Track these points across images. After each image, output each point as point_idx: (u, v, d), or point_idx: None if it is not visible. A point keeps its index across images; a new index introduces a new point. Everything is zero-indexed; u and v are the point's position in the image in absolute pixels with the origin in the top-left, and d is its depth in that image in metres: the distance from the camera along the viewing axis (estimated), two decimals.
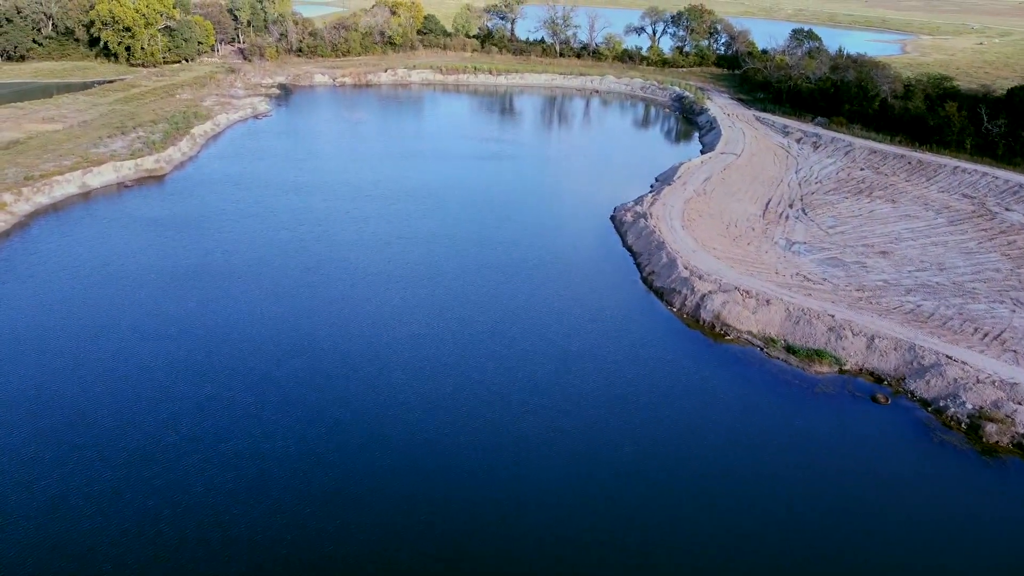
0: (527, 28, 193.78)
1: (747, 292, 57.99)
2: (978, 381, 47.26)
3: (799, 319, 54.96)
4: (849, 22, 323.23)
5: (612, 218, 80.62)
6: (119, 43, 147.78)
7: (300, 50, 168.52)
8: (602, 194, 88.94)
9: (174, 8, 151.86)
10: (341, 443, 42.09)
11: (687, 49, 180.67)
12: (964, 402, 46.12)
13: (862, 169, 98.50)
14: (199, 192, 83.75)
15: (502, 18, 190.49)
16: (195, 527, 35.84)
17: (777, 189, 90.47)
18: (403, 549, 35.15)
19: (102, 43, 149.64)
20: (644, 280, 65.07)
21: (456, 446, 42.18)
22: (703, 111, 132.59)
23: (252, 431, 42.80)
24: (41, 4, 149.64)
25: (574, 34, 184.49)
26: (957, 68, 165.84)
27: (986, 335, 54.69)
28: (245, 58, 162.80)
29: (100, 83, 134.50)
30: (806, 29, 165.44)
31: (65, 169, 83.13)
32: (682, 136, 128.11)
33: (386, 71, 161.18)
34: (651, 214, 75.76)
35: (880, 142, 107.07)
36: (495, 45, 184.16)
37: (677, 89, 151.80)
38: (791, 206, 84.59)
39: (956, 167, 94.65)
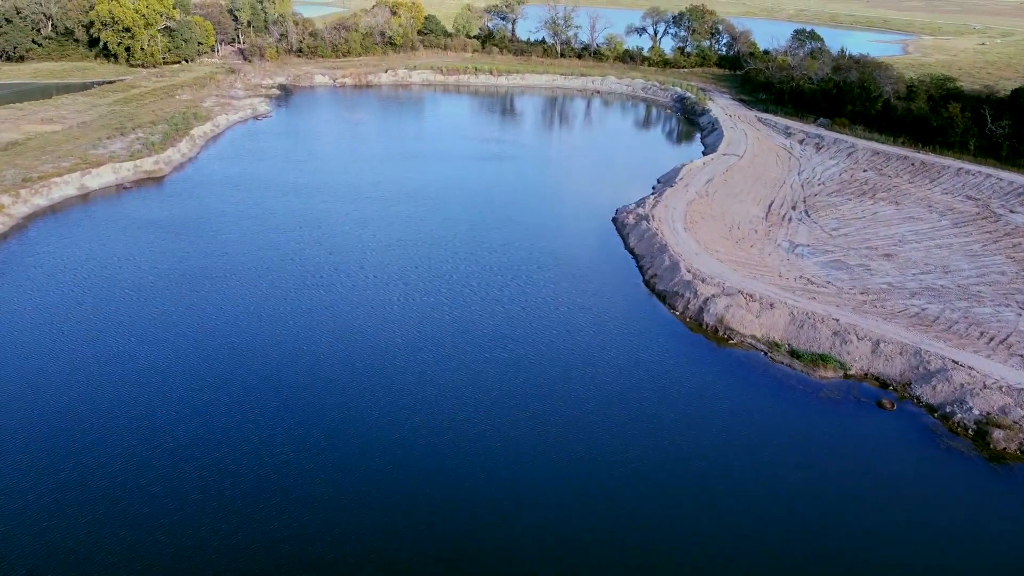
0: (528, 28, 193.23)
1: (751, 296, 57.45)
2: (985, 386, 46.71)
3: (803, 323, 54.42)
4: (850, 22, 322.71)
5: (614, 220, 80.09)
6: (119, 44, 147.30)
7: (300, 50, 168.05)
8: (603, 195, 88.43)
9: (174, 8, 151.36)
10: (341, 448, 41.56)
11: (688, 50, 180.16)
12: (971, 408, 45.58)
13: (865, 170, 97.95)
14: (198, 194, 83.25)
15: (503, 18, 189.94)
16: (192, 534, 35.33)
17: (780, 191, 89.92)
18: (403, 549, 34.68)
19: (102, 44, 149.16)
20: (646, 283, 64.54)
21: (457, 450, 41.64)
22: (705, 112, 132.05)
23: (250, 436, 42.29)
24: (41, 4, 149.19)
25: (575, 34, 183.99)
26: (959, 69, 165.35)
27: (992, 339, 54.16)
28: (245, 59, 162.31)
29: (100, 84, 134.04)
30: (808, 30, 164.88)
31: (64, 171, 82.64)
32: (683, 137, 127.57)
33: (386, 72, 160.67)
34: (653, 216, 75.23)
35: (883, 143, 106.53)
36: (496, 45, 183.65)
37: (679, 90, 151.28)
38: (794, 208, 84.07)
39: (960, 169, 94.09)
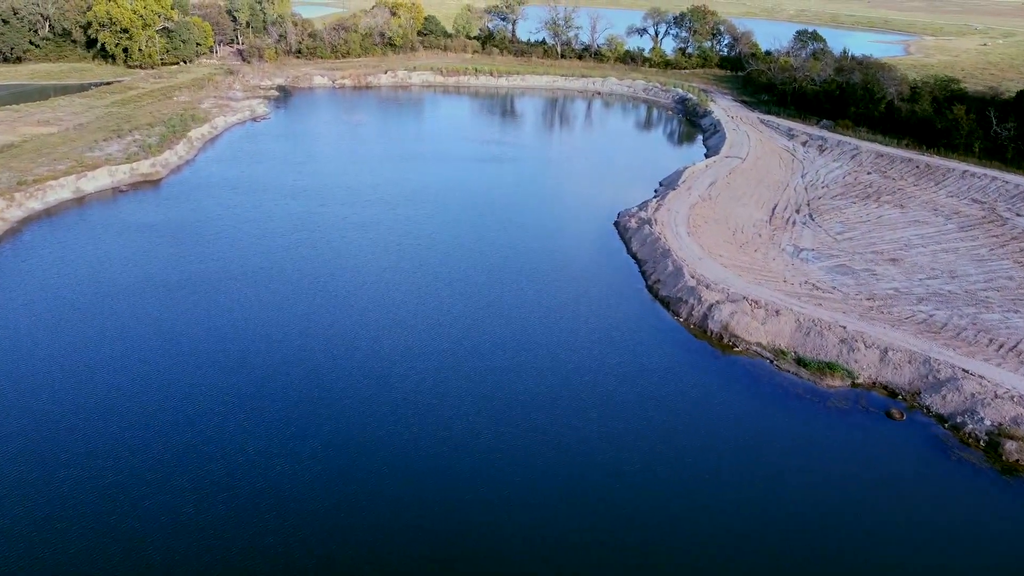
0: (528, 29, 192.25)
1: (756, 302, 56.49)
2: (996, 396, 45.74)
3: (809, 330, 53.46)
4: (851, 23, 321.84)
5: (616, 224, 79.13)
6: (116, 44, 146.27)
7: (299, 51, 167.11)
8: (605, 198, 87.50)
9: (172, 9, 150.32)
10: (339, 460, 40.58)
11: (690, 51, 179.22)
12: (982, 418, 44.62)
13: (869, 173, 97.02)
14: (195, 197, 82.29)
15: (503, 19, 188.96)
16: (184, 551, 34.36)
17: (783, 194, 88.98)
18: (405, 563, 33.86)
19: (99, 44, 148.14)
20: (649, 288, 63.58)
21: (457, 461, 40.68)
22: (707, 113, 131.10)
23: (245, 448, 41.33)
24: (38, 5, 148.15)
25: (576, 35, 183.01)
26: (962, 69, 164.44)
27: (1001, 346, 53.19)
28: (244, 60, 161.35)
29: (97, 85, 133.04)
30: (810, 30, 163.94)
31: (59, 174, 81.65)
32: (685, 138, 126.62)
33: (386, 73, 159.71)
34: (656, 220, 74.26)
35: (887, 145, 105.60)
36: (496, 46, 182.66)
37: (680, 91, 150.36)
38: (798, 211, 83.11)
39: (965, 171, 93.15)
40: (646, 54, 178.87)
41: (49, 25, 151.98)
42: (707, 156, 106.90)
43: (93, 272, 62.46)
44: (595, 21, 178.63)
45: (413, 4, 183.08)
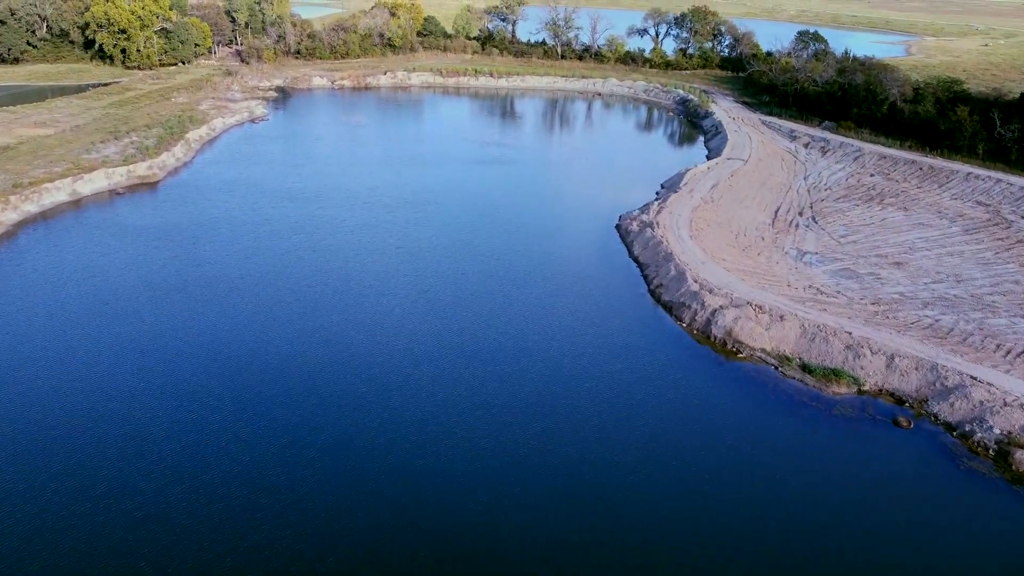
0: (528, 30, 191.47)
1: (760, 307, 55.71)
2: (1005, 404, 44.97)
3: (815, 336, 52.69)
4: (852, 23, 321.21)
5: (617, 227, 78.37)
6: (114, 45, 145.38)
7: (298, 52, 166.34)
8: (606, 201, 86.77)
9: (170, 10, 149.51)
10: (336, 469, 39.80)
11: (691, 51, 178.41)
12: (991, 427, 43.85)
13: (872, 175, 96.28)
14: (192, 199, 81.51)
15: (503, 20, 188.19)
16: (178, 563, 33.59)
17: (786, 196, 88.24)
18: (402, 559, 33.12)
19: (97, 45, 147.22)
20: (652, 293, 62.81)
21: (456, 469, 39.90)
22: (708, 115, 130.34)
23: (241, 456, 40.54)
24: (35, 6, 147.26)
25: (576, 36, 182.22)
26: (964, 70, 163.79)
27: (1009, 352, 52.44)
28: (243, 60, 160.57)
29: (95, 86, 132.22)
30: (811, 31, 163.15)
31: (55, 176, 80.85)
32: (686, 140, 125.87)
33: (385, 74, 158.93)
34: (658, 223, 73.49)
35: (890, 147, 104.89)
36: (496, 47, 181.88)
37: (681, 92, 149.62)
38: (801, 214, 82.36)
39: (969, 173, 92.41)
40: (647, 55, 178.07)
41: (47, 26, 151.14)
42: (708, 158, 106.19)
43: (89, 276, 61.68)
44: (595, 22, 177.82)
45: (412, 5, 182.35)
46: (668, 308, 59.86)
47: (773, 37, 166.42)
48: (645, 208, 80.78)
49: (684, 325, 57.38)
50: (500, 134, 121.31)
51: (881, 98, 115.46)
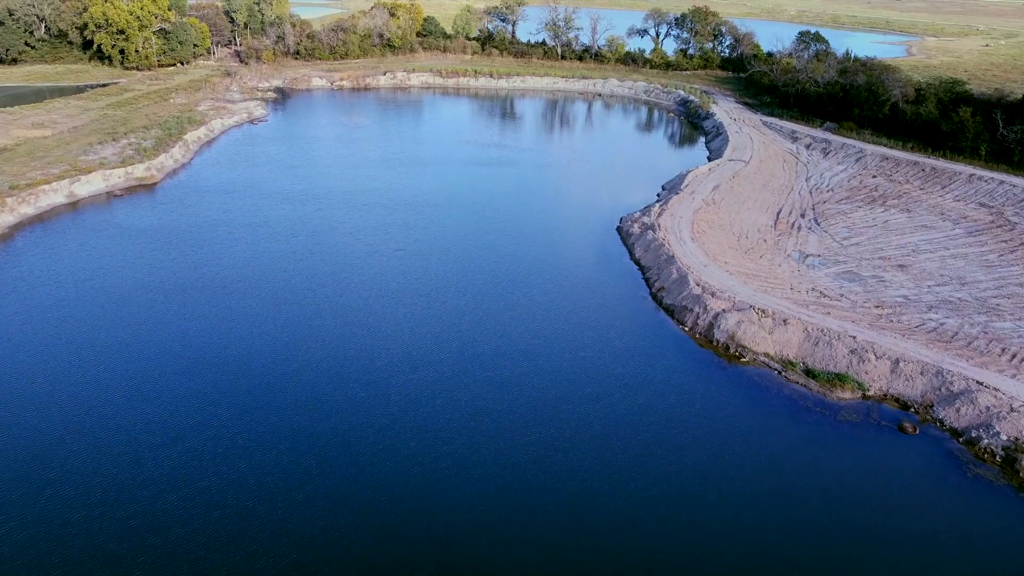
0: (528, 30, 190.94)
1: (763, 311, 55.15)
2: (1012, 410, 44.41)
3: (818, 340, 52.15)
4: (853, 23, 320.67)
5: (618, 229, 77.82)
6: (113, 46, 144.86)
7: (298, 53, 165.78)
8: (607, 202, 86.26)
9: (169, 10, 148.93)
10: (334, 476, 39.26)
11: (691, 52, 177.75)
12: (998, 433, 43.31)
13: (874, 176, 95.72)
14: (190, 201, 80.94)
15: (503, 20, 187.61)
16: (172, 573, 33.04)
17: (788, 198, 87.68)
18: (400, 566, 32.56)
19: (96, 46, 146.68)
20: (653, 296, 62.25)
21: (456, 478, 39.35)
22: (709, 115, 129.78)
23: (238, 464, 39.99)
24: (34, 6, 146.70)
25: (576, 36, 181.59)
26: (965, 70, 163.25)
27: (1014, 356, 51.87)
28: (241, 61, 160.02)
29: (93, 87, 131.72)
30: (812, 31, 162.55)
31: (52, 178, 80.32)
32: (687, 141, 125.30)
33: (385, 74, 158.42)
34: (659, 225, 72.93)
35: (892, 148, 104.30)
36: (496, 47, 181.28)
37: (682, 93, 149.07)
38: (803, 216, 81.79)
39: (972, 175, 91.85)
40: (647, 55, 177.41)
41: (45, 26, 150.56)
42: (710, 159, 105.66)
43: (85, 279, 61.14)
44: (595, 22, 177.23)
45: (412, 5, 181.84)
46: (670, 312, 59.31)
47: (774, 38, 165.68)
48: (646, 210, 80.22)
49: (686, 329, 56.83)
50: (500, 135, 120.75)
51: (883, 99, 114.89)
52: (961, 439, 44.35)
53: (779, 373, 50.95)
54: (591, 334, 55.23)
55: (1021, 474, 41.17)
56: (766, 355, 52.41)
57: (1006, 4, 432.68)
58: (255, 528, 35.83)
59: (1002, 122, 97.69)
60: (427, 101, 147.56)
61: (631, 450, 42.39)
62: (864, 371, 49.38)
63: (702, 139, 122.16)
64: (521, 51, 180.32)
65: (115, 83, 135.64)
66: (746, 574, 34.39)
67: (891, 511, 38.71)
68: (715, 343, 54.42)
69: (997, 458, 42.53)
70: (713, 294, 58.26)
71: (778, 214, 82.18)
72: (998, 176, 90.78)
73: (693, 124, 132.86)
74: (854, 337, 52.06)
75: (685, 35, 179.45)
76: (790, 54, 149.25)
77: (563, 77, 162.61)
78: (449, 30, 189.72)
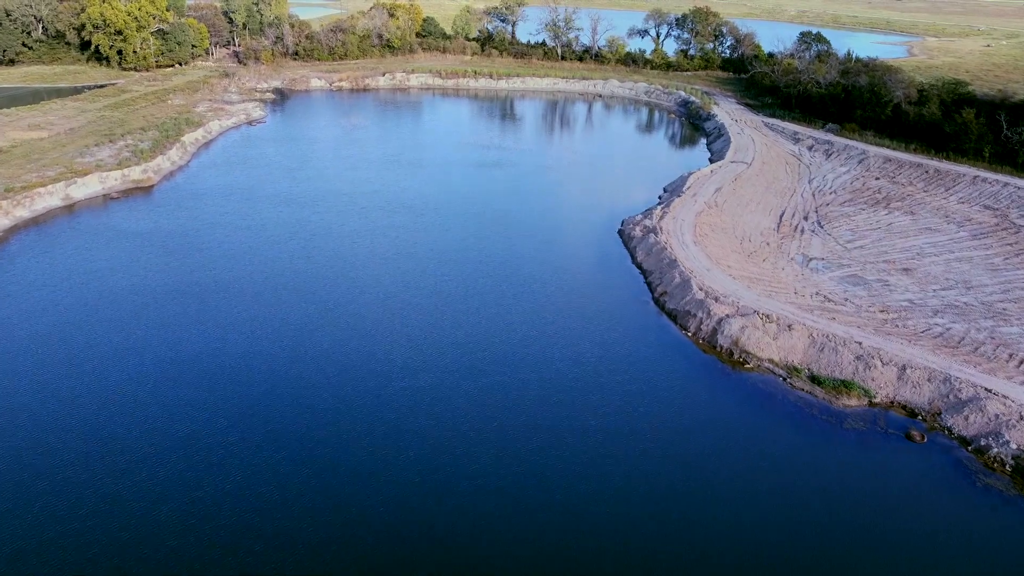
0: (528, 31, 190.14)
1: (767, 316, 54.39)
2: (1021, 418, 43.64)
3: (823, 346, 51.37)
4: (853, 24, 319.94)
5: (620, 232, 77.03)
6: (111, 47, 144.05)
7: (296, 53, 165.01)
8: (608, 205, 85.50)
9: (167, 11, 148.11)
10: (332, 486, 38.49)
11: (692, 52, 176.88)
12: (1008, 441, 42.54)
13: (877, 178, 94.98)
14: (187, 204, 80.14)
15: (502, 20, 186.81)
16: None
17: (790, 200, 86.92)
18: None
19: (93, 47, 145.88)
20: (656, 301, 61.47)
21: (455, 488, 38.57)
22: (710, 117, 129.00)
23: (233, 473, 39.22)
24: (31, 6, 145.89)
25: (576, 37, 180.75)
26: (966, 71, 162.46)
27: (1022, 363, 51.10)
28: (240, 62, 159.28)
29: (91, 88, 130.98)
30: (814, 32, 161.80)
31: (48, 180, 79.56)
32: (688, 142, 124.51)
33: (384, 75, 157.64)
34: (661, 228, 72.17)
35: (895, 149, 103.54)
36: (495, 48, 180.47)
37: (683, 93, 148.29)
38: (806, 218, 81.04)
39: (976, 176, 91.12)
40: (648, 56, 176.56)
41: (42, 27, 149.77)
42: (711, 161, 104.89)
43: (81, 283, 60.37)
44: (595, 22, 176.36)
45: (411, 5, 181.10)
46: (673, 316, 58.55)
47: (775, 38, 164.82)
48: (648, 213, 79.45)
49: (689, 334, 56.05)
50: (500, 137, 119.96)
51: (885, 100, 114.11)
52: (970, 448, 43.59)
53: (784, 380, 50.18)
54: (592, 339, 54.46)
55: None
56: (771, 361, 51.65)
57: (1007, 4, 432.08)
58: (250, 539, 35.07)
59: (1006, 123, 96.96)
60: (426, 102, 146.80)
61: (633, 458, 41.62)
62: (870, 378, 48.61)
63: (703, 140, 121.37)
64: (521, 52, 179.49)
65: (113, 84, 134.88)
66: None
67: (899, 522, 37.95)
68: (719, 349, 53.65)
69: (1007, 467, 41.76)
70: (716, 299, 57.49)
71: (781, 217, 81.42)
72: (1002, 178, 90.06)
73: (694, 125, 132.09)
74: (860, 343, 51.30)
75: (686, 36, 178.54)
76: (792, 55, 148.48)
77: (563, 78, 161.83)
78: (449, 31, 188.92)
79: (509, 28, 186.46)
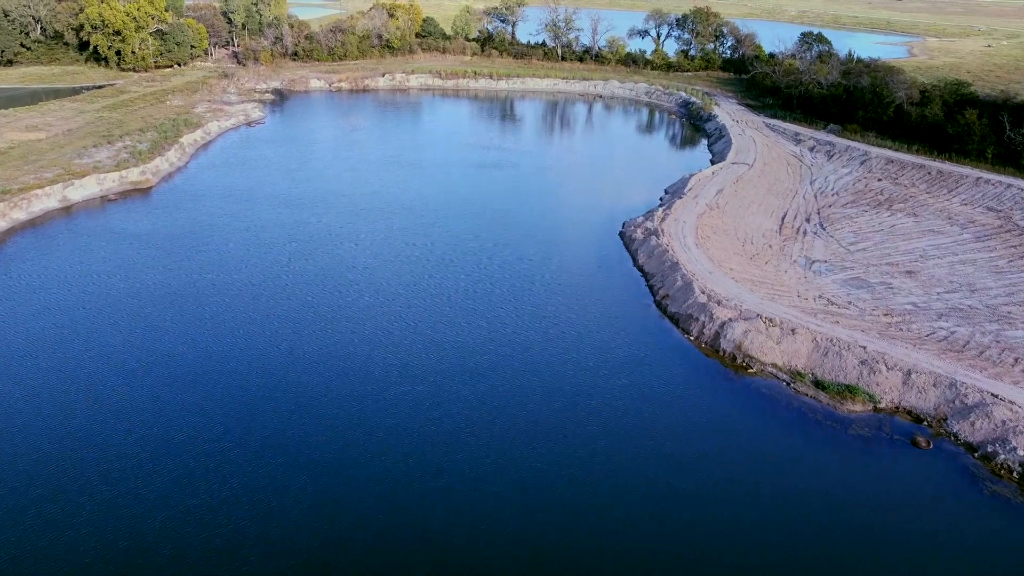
0: (528, 31, 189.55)
1: (770, 320, 53.84)
2: None
3: (827, 350, 50.83)
4: (854, 24, 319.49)
5: (621, 234, 76.49)
6: (109, 47, 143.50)
7: (296, 54, 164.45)
8: (609, 206, 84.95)
9: (166, 11, 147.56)
10: (329, 494, 37.94)
11: (692, 53, 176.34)
12: (1015, 448, 41.98)
13: (880, 180, 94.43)
14: (185, 206, 79.60)
15: (502, 21, 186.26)
16: None
17: (792, 202, 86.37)
18: None
19: (92, 47, 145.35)
20: (658, 304, 60.92)
21: (455, 496, 38.02)
22: (711, 117, 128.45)
23: (229, 481, 38.65)
24: (29, 7, 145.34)
25: (576, 37, 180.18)
26: (968, 71, 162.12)
27: None
28: (239, 62, 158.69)
29: (89, 88, 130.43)
30: (815, 32, 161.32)
31: (45, 182, 79.00)
32: (689, 143, 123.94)
33: (384, 76, 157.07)
34: (662, 231, 71.62)
35: (897, 150, 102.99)
36: (495, 48, 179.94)
37: (683, 94, 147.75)
38: (808, 220, 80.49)
39: (979, 178, 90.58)
40: (648, 56, 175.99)
41: (41, 27, 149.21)
42: (712, 162, 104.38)
43: (78, 286, 59.82)
44: (596, 23, 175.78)
45: (411, 5, 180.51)
46: (675, 320, 57.99)
47: (775, 38, 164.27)
48: (649, 215, 78.90)
49: (692, 338, 55.50)
50: (500, 137, 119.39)
51: (887, 101, 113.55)
52: (977, 454, 43.04)
53: (788, 384, 49.64)
54: (594, 343, 53.91)
55: None
56: (774, 366, 51.12)
57: (1007, 4, 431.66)
58: (245, 549, 34.52)
59: (1009, 124, 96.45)
60: (426, 103, 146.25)
61: (634, 463, 41.08)
62: (875, 382, 48.07)
63: (704, 141, 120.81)
64: (521, 52, 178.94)
65: (111, 85, 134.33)
66: None
67: (905, 530, 37.42)
68: (721, 353, 53.10)
69: (1014, 475, 41.20)
70: (719, 302, 56.95)
71: (783, 218, 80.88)
72: (1006, 179, 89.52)
73: (695, 126, 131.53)
74: (864, 347, 50.76)
75: (686, 36, 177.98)
76: (793, 55, 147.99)
77: (563, 78, 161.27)
78: (448, 31, 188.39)
79: (509, 28, 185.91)
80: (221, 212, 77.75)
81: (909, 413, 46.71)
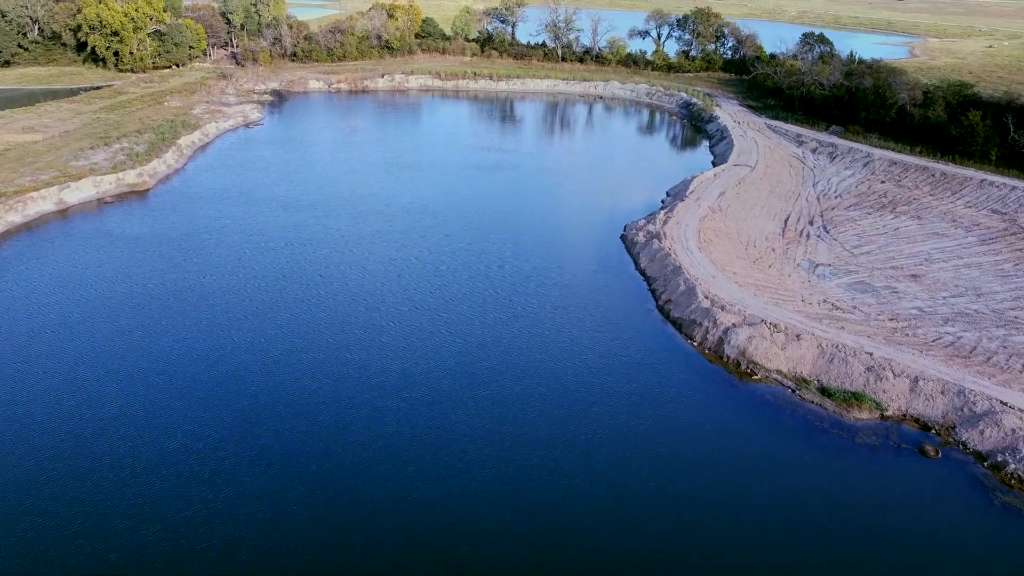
0: (528, 32, 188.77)
1: (775, 326, 53.10)
2: None
3: (833, 357, 50.10)
4: (854, 24, 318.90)
5: (623, 237, 75.74)
6: (107, 48, 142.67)
7: (295, 55, 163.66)
8: (610, 209, 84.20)
9: (164, 12, 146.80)
10: (327, 504, 37.20)
11: (693, 53, 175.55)
12: None
13: (883, 182, 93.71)
14: (183, 208, 78.84)
15: (502, 21, 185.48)
16: None
17: (795, 204, 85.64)
18: None
19: (90, 48, 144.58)
20: (660, 309, 60.18)
21: (454, 499, 37.29)
22: (712, 119, 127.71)
23: (224, 490, 37.94)
24: (27, 7, 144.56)
25: (576, 38, 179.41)
26: (970, 72, 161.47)
27: None
28: (238, 63, 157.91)
29: (87, 89, 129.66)
30: (817, 33, 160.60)
31: (41, 184, 78.21)
32: (690, 144, 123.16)
33: (383, 76, 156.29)
34: (664, 234, 70.88)
35: (900, 152, 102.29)
36: (495, 49, 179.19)
37: (684, 95, 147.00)
38: (811, 223, 79.75)
39: (983, 180, 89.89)
40: (649, 57, 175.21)
41: (38, 28, 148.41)
42: (714, 164, 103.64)
43: (73, 290, 59.07)
44: (596, 23, 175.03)
45: (411, 6, 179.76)
46: (678, 325, 57.25)
47: (776, 39, 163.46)
48: (651, 218, 78.16)
49: (695, 344, 54.76)
50: (500, 139, 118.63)
51: (890, 102, 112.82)
52: (986, 463, 42.31)
53: (793, 391, 48.90)
54: (595, 348, 53.17)
55: None
56: (779, 372, 50.38)
57: (1008, 4, 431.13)
58: (240, 560, 33.78)
59: (1013, 125, 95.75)
60: (426, 104, 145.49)
61: (637, 471, 40.36)
62: (882, 390, 47.34)
63: (705, 143, 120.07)
64: (521, 53, 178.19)
65: (109, 86, 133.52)
66: None
67: (913, 540, 36.75)
68: (725, 359, 52.35)
69: None
70: (723, 307, 56.21)
71: (786, 221, 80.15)
72: (1010, 181, 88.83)
73: (696, 127, 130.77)
74: (870, 353, 50.02)
75: (687, 37, 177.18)
76: (794, 56, 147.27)
77: (563, 79, 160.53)
78: (448, 31, 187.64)
79: (509, 29, 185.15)
80: (219, 214, 77.00)
81: (917, 421, 45.98)
